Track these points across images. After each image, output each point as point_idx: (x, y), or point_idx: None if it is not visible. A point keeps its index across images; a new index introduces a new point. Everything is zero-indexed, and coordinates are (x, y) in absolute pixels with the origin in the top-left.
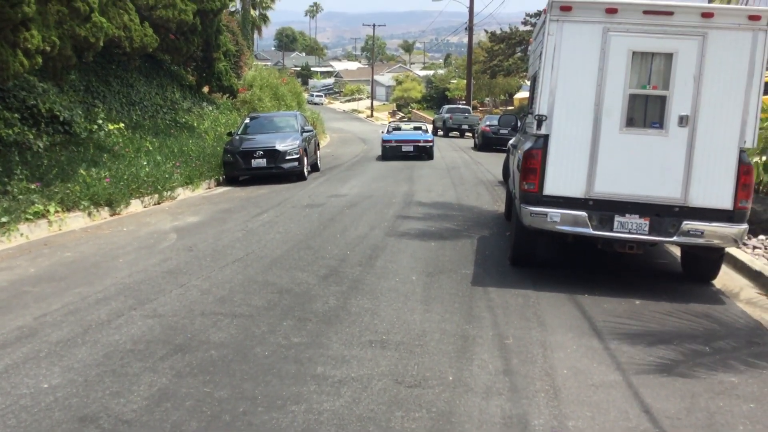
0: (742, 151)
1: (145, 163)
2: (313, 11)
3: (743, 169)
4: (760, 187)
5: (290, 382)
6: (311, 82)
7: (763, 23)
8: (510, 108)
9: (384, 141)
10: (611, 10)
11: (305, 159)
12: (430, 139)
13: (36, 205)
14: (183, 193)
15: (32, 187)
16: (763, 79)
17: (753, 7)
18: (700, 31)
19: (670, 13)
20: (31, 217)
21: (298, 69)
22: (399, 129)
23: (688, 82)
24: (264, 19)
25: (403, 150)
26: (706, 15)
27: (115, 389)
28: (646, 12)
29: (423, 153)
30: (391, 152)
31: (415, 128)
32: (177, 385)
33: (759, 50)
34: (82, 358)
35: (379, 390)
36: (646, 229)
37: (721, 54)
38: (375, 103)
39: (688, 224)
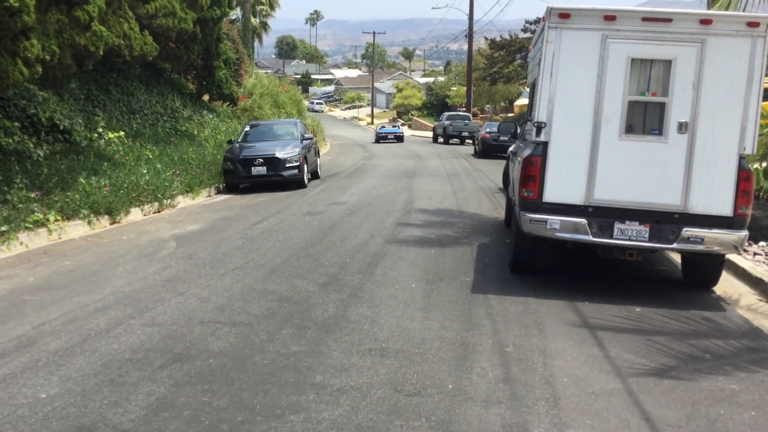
0: (741, 158)
1: (145, 171)
2: (314, 19)
3: (743, 175)
4: (760, 194)
5: (289, 391)
6: (311, 89)
7: (762, 30)
8: (510, 115)
9: (377, 132)
10: (610, 18)
11: (305, 166)
12: (401, 131)
13: (36, 213)
14: (183, 201)
15: (32, 195)
16: (763, 85)
17: (752, 14)
18: (698, 37)
19: (669, 20)
20: (31, 225)
21: (299, 76)
22: (385, 127)
23: (687, 89)
24: (264, 27)
25: (388, 137)
26: (705, 22)
27: (113, 399)
28: (644, 19)
29: (397, 138)
30: (381, 138)
31: (393, 126)
32: (175, 395)
33: (758, 56)
34: (81, 368)
35: (378, 399)
36: (646, 236)
37: (720, 60)
38: (375, 110)
39: (688, 231)
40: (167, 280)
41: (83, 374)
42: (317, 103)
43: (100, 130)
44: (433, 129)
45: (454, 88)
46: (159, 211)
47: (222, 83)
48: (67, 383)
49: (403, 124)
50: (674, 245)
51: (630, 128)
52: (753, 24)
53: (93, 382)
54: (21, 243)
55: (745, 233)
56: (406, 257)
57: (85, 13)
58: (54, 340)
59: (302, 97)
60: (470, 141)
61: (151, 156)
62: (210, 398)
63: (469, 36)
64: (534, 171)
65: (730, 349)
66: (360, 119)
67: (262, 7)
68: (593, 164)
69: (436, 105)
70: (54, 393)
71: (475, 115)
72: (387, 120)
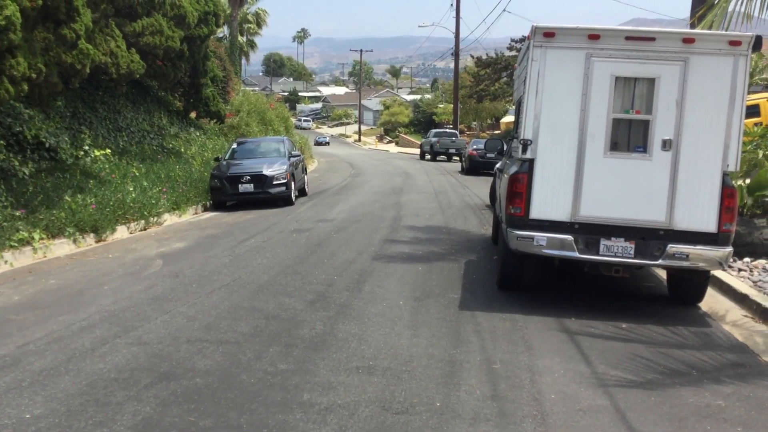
0: (725, 175)
1: (131, 188)
2: (301, 37)
3: (727, 192)
4: (744, 210)
5: (276, 410)
6: (299, 106)
7: (744, 48)
8: (497, 132)
9: (316, 140)
10: (594, 36)
11: (293, 184)
12: (327, 139)
13: (21, 232)
14: (170, 219)
15: (17, 214)
16: (745, 102)
17: (734, 33)
18: (681, 56)
19: (652, 39)
20: (16, 244)
21: (286, 94)
22: (319, 137)
23: (671, 107)
24: (251, 44)
25: (322, 143)
26: (688, 40)
27: (98, 419)
28: (628, 38)
29: (326, 143)
30: (317, 143)
31: (324, 137)
32: (161, 415)
33: (740, 75)
34: (66, 388)
35: (366, 417)
36: (632, 252)
37: (703, 79)
38: (363, 127)
39: (673, 247)
40: (153, 298)
41: (68, 394)
42: (305, 121)
43: (87, 147)
44: (421, 146)
45: (441, 106)
46: (145, 229)
47: (209, 101)
48: (51, 403)
49: (389, 141)
50: (659, 261)
51: (615, 145)
52: (735, 43)
53: (78, 402)
54: (6, 262)
55: (729, 249)
56: (393, 274)
57: (72, 31)
58: (39, 359)
59: (289, 115)
60: (457, 158)
61: (137, 173)
62: (196, 418)
63: (456, 54)
64: (520, 188)
65: (716, 365)
66: (347, 136)
67: (249, 25)
68: (579, 181)
69: (423, 122)
70: (39, 413)
71: (462, 132)
72: (375, 137)
